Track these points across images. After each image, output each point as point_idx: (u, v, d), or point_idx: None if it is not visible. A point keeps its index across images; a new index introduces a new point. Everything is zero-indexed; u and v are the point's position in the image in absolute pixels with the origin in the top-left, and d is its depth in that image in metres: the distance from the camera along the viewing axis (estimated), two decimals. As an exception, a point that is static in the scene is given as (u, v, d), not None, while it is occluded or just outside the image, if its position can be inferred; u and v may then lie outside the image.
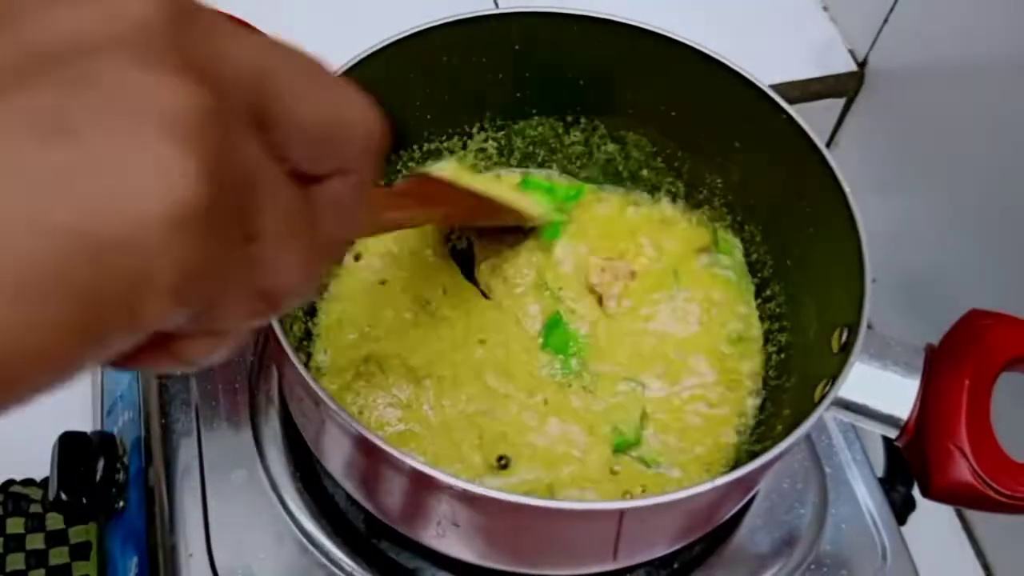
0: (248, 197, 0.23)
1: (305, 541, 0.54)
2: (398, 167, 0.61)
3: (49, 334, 0.19)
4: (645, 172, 0.63)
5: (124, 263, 0.20)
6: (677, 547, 0.51)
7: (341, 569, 0.53)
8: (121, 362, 0.23)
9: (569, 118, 0.62)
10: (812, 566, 0.57)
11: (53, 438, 0.60)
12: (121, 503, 0.59)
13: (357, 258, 0.60)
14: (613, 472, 0.54)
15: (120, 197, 0.20)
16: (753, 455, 0.44)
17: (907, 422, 0.46)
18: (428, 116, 0.60)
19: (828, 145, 0.83)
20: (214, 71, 0.22)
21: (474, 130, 0.62)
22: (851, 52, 0.81)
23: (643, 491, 0.53)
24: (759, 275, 0.60)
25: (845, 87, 0.81)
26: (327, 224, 0.26)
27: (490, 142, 0.63)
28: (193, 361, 0.25)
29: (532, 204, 0.60)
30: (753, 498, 0.58)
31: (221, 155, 0.21)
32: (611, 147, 0.63)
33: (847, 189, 0.49)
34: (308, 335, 0.57)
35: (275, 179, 0.24)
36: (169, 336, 0.24)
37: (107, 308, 0.20)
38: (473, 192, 0.55)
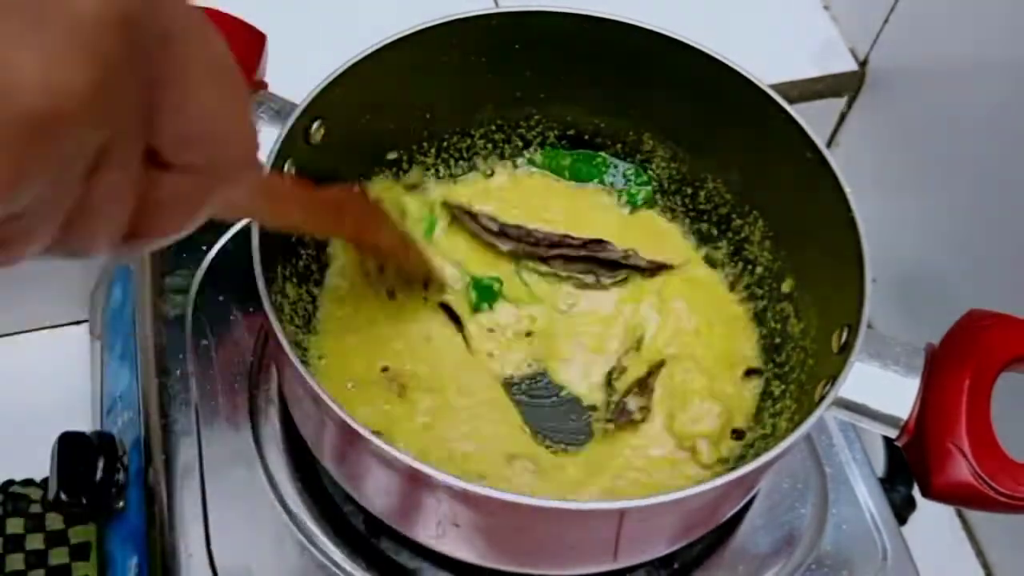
0: (109, 133, 0.23)
1: (305, 541, 0.54)
2: (397, 167, 0.61)
3: None
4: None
5: None
6: (677, 547, 0.51)
7: (341, 569, 0.53)
8: None
9: (569, 118, 0.62)
10: (812, 566, 0.57)
11: (53, 438, 0.60)
12: (121, 503, 0.59)
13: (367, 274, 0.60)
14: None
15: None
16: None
17: (907, 422, 0.46)
18: (427, 115, 0.60)
19: (828, 145, 0.83)
20: (147, 9, 0.22)
21: (473, 129, 0.62)
22: (852, 51, 0.81)
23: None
24: (757, 273, 0.59)
25: (846, 87, 0.81)
26: (152, 210, 0.27)
27: (489, 142, 0.63)
28: None
29: (445, 271, 0.59)
30: (753, 498, 0.58)
31: (109, 76, 0.22)
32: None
33: (847, 189, 0.49)
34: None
35: (136, 134, 0.24)
36: None
37: None
38: (393, 228, 0.55)
